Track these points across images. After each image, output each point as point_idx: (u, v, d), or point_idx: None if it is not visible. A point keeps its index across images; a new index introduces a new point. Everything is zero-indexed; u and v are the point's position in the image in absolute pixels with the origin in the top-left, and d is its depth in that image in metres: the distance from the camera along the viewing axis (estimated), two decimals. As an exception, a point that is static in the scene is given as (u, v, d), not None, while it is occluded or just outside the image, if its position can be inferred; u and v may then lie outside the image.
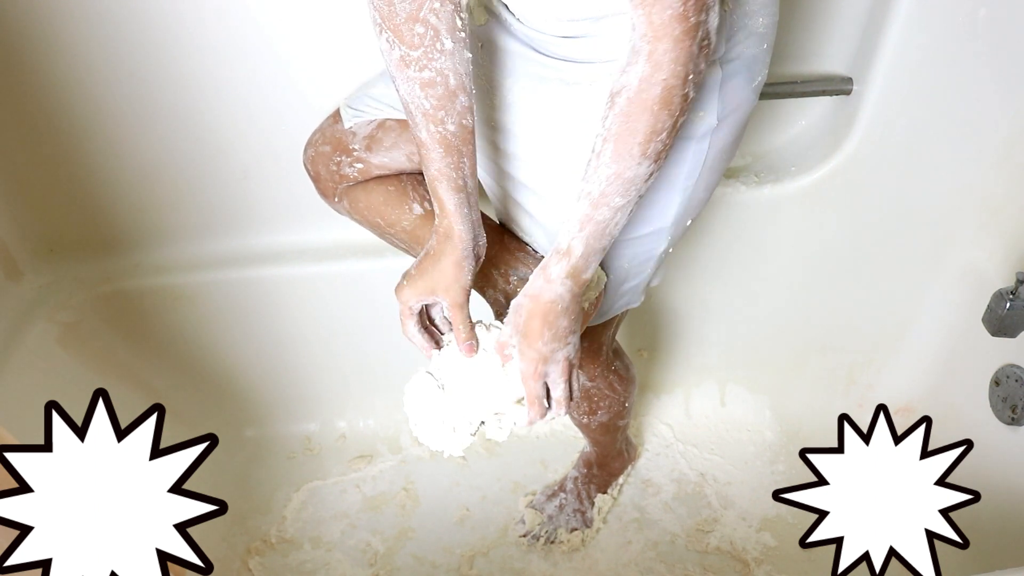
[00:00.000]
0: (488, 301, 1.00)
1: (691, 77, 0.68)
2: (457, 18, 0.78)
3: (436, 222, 0.86)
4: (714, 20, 0.67)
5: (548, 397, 0.87)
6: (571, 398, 0.87)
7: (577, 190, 0.76)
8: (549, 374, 0.84)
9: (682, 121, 0.71)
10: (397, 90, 0.81)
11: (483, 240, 0.89)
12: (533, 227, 0.95)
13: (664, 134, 0.70)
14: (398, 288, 0.89)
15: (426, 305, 0.90)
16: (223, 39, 1.15)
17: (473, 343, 0.88)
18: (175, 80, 1.17)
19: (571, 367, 0.85)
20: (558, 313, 0.81)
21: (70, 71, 1.15)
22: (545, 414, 0.87)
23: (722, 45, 0.79)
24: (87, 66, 1.15)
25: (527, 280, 0.94)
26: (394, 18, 0.76)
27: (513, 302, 0.85)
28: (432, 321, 0.93)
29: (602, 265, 0.92)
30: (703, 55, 0.67)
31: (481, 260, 0.89)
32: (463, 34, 0.79)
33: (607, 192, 0.73)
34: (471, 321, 0.88)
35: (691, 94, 0.69)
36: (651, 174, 0.73)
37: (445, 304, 0.88)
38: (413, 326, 0.90)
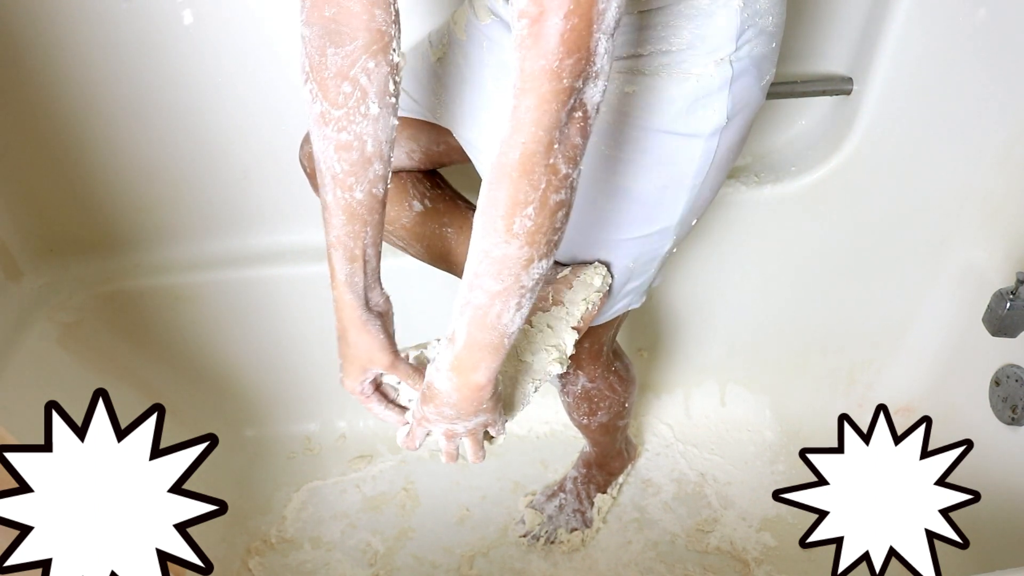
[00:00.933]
0: None
1: (557, 147, 0.61)
2: (391, 82, 0.74)
3: (332, 295, 0.82)
4: (594, 97, 0.60)
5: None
6: (454, 459, 0.85)
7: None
8: (432, 433, 0.84)
9: (556, 200, 0.63)
10: (311, 142, 0.76)
11: (380, 298, 0.85)
12: None
13: (530, 209, 0.62)
14: (341, 382, 0.87)
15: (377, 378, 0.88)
16: (223, 39, 1.15)
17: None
18: (175, 80, 1.17)
19: (454, 436, 0.83)
20: (443, 403, 0.77)
21: (70, 71, 1.15)
22: (454, 457, 0.86)
23: (732, 43, 0.78)
24: (87, 66, 1.15)
25: None
26: (323, 71, 0.72)
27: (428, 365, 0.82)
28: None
29: (607, 265, 0.92)
30: (576, 129, 0.61)
31: (389, 313, 0.86)
32: (393, 100, 0.75)
33: (479, 272, 0.67)
34: (414, 369, 0.86)
35: (562, 169, 0.62)
36: (528, 260, 0.65)
37: (381, 373, 0.86)
38: (377, 406, 0.87)
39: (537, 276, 0.67)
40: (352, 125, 0.73)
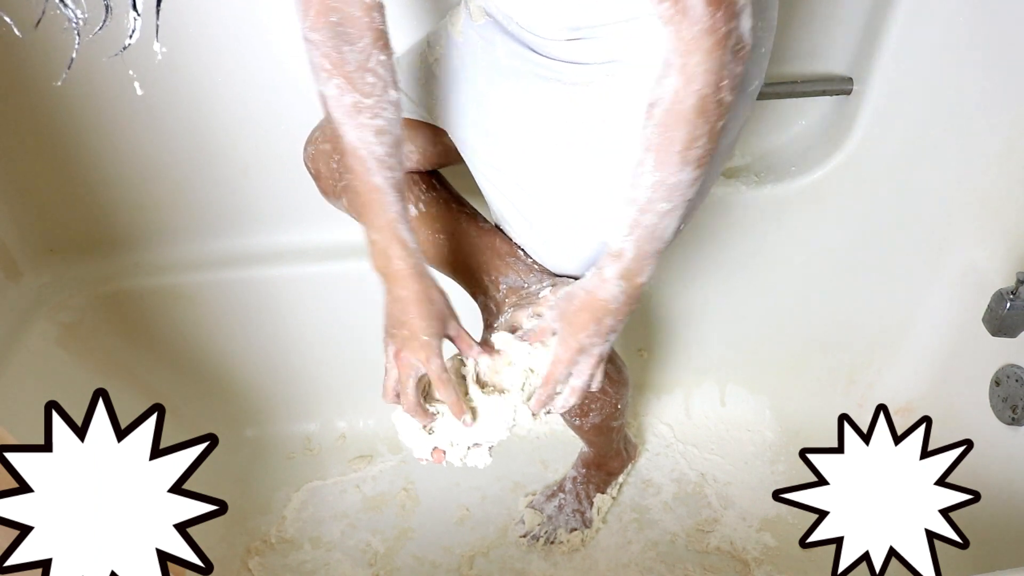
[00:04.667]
0: (480, 307, 1.00)
1: (725, 83, 0.68)
2: (394, 70, 0.81)
3: (396, 266, 0.84)
4: (746, 23, 0.67)
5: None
6: (588, 389, 0.88)
7: (626, 195, 0.77)
8: (579, 363, 0.86)
9: (721, 125, 0.71)
10: (343, 136, 0.81)
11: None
12: (525, 227, 0.95)
13: (703, 140, 0.71)
14: (397, 354, 0.86)
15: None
16: (223, 38, 1.15)
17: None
18: (175, 79, 1.17)
19: (601, 362, 0.87)
20: (608, 311, 0.83)
21: (70, 70, 1.15)
22: (550, 402, 0.88)
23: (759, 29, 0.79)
24: (87, 65, 1.15)
25: (516, 289, 0.95)
26: (345, 65, 0.78)
27: (566, 290, 0.86)
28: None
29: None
30: (738, 60, 0.68)
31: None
32: (395, 92, 0.82)
33: (652, 199, 0.75)
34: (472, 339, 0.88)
35: (727, 99, 0.70)
36: (695, 179, 0.74)
37: (450, 333, 0.87)
38: (414, 392, 0.87)
39: (697, 187, 0.76)
40: (383, 111, 0.80)
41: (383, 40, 0.79)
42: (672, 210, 0.76)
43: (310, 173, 1.06)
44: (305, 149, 1.06)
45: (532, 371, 0.89)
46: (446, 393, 0.86)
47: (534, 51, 0.83)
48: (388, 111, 0.80)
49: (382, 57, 0.79)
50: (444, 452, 0.90)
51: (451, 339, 0.88)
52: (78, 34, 0.44)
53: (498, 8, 0.83)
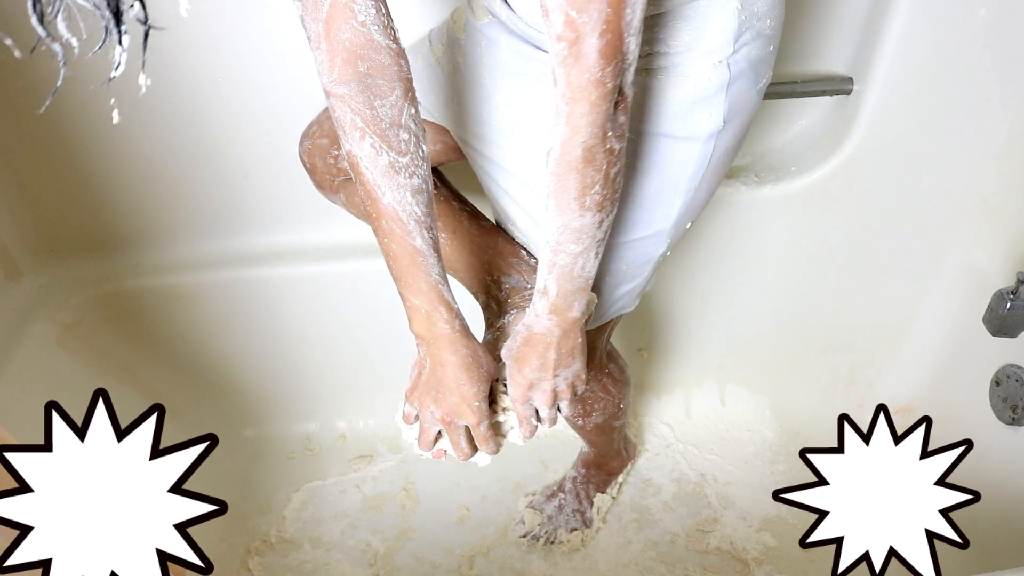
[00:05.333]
0: (481, 306, 1.00)
1: (610, 134, 0.69)
2: (420, 122, 0.78)
3: (442, 330, 0.82)
4: (628, 79, 0.67)
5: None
6: (554, 423, 0.90)
7: (541, 237, 0.78)
8: (534, 399, 0.87)
9: (615, 170, 0.72)
10: (379, 199, 0.76)
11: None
12: (528, 224, 0.95)
13: (597, 187, 0.71)
14: (444, 418, 0.85)
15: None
16: (223, 38, 1.15)
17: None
18: (175, 79, 1.17)
19: (555, 397, 0.87)
20: (547, 345, 0.83)
21: (69, 70, 1.15)
22: (534, 432, 0.90)
23: (730, 46, 0.79)
24: (87, 65, 1.14)
25: (519, 289, 0.95)
26: (379, 123, 0.74)
27: (514, 329, 0.88)
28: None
29: (601, 267, 0.91)
30: (620, 110, 0.69)
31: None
32: (425, 146, 0.79)
33: (561, 240, 0.75)
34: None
35: (615, 147, 0.70)
36: (601, 222, 0.75)
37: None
38: (488, 433, 0.87)
39: (607, 228, 0.77)
40: (418, 169, 0.77)
41: (412, 91, 0.76)
42: (583, 251, 0.76)
43: (305, 168, 1.06)
44: (301, 143, 1.06)
45: None
46: (490, 448, 0.88)
47: (537, 47, 0.83)
48: (422, 168, 0.77)
49: (412, 110, 0.76)
50: (446, 451, 0.90)
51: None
52: (63, 64, 0.44)
53: (502, 5, 0.83)
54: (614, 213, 0.78)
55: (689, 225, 0.92)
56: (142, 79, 0.52)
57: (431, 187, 0.79)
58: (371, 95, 0.73)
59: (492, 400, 0.90)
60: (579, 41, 0.62)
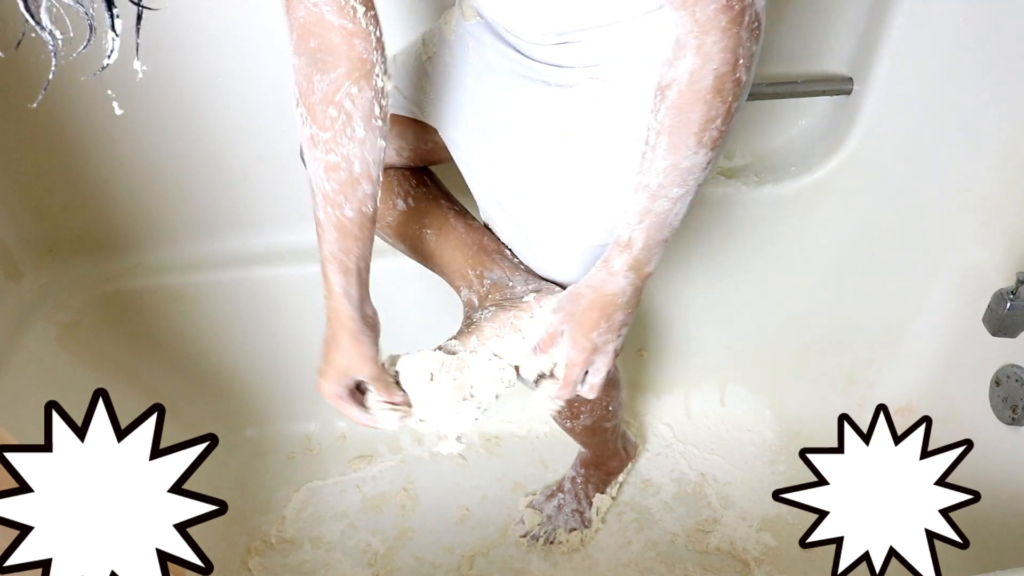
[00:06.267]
0: (462, 300, 1.00)
1: (742, 62, 0.68)
2: (376, 105, 0.77)
3: (325, 304, 0.85)
4: (761, 0, 0.66)
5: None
6: (598, 391, 0.88)
7: (634, 182, 0.76)
8: (595, 362, 0.85)
9: (736, 105, 0.71)
10: (305, 166, 0.80)
11: (371, 311, 0.88)
12: (510, 225, 0.95)
13: (719, 120, 0.70)
14: (317, 387, 0.88)
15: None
16: (223, 38, 1.15)
17: (399, 396, 0.88)
18: (175, 80, 1.17)
19: (616, 357, 0.86)
20: (617, 306, 0.82)
21: (70, 70, 1.15)
22: (573, 395, 0.88)
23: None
24: (87, 65, 1.14)
25: (500, 286, 0.94)
26: (310, 96, 0.76)
27: (570, 289, 0.85)
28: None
29: (584, 267, 0.91)
30: (753, 37, 0.67)
31: (378, 330, 0.89)
32: (380, 123, 0.78)
33: (664, 183, 0.74)
34: (395, 385, 0.88)
35: (743, 78, 0.69)
36: (708, 162, 0.73)
37: (364, 381, 0.88)
38: (355, 411, 0.89)
39: (711, 171, 0.75)
40: (339, 147, 0.76)
41: (362, 71, 0.75)
42: (684, 195, 0.75)
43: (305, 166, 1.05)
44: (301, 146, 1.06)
45: (499, 356, 0.89)
46: (382, 388, 0.87)
47: (521, 53, 0.84)
48: (345, 147, 0.76)
49: (354, 90, 0.75)
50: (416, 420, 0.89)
51: (372, 384, 0.88)
52: (55, 56, 0.44)
53: (487, 11, 0.84)
54: (720, 158, 0.76)
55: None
56: (137, 65, 0.52)
57: (358, 169, 0.78)
58: (314, 69, 0.75)
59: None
60: None
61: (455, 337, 0.92)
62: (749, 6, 0.65)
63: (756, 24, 0.67)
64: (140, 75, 0.51)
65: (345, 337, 0.84)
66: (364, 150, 0.78)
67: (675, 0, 0.65)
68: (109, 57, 0.46)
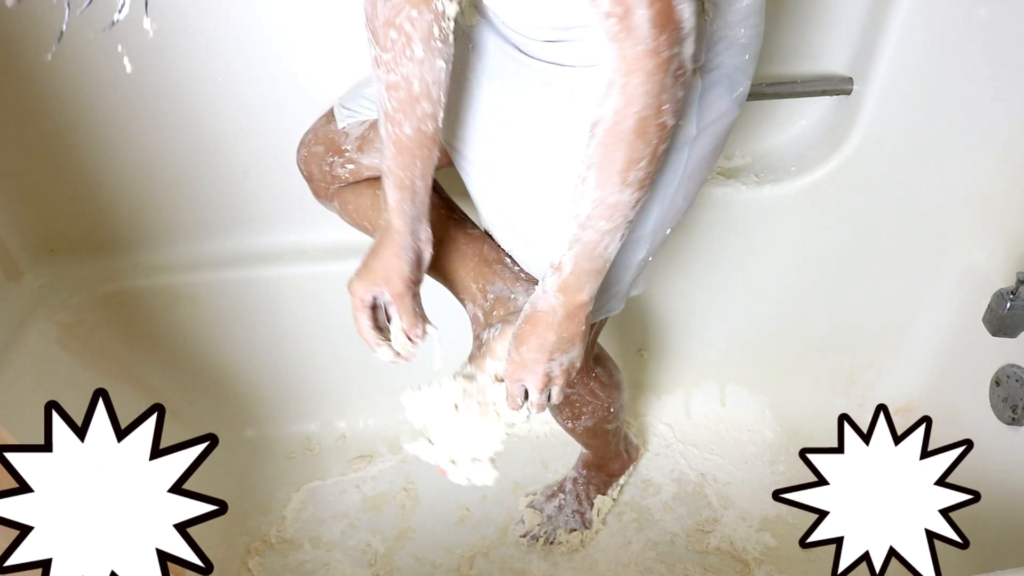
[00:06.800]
0: (468, 315, 1.00)
1: (666, 107, 0.68)
2: (436, 27, 0.79)
3: (381, 216, 0.89)
4: (689, 49, 0.67)
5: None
6: (543, 408, 0.89)
7: (568, 210, 0.77)
8: (525, 380, 0.86)
9: (663, 148, 0.72)
10: (373, 85, 0.84)
11: (425, 236, 0.91)
12: (507, 229, 0.95)
13: (644, 162, 0.71)
14: (349, 283, 0.92)
15: (384, 305, 0.93)
16: (223, 38, 1.15)
17: (419, 331, 0.92)
18: (175, 80, 1.17)
19: (548, 381, 0.86)
20: (548, 325, 0.82)
21: (70, 70, 1.15)
22: (518, 409, 0.89)
23: (702, 55, 0.79)
24: (87, 65, 1.15)
25: (503, 300, 0.95)
26: (375, 20, 0.80)
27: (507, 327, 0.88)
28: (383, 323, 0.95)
29: None
30: (679, 84, 0.68)
31: (425, 260, 0.92)
32: (440, 44, 0.81)
33: (592, 216, 0.75)
34: (416, 312, 0.92)
35: (669, 122, 0.70)
36: (637, 201, 0.74)
37: (387, 295, 0.91)
38: (365, 320, 0.93)
39: (639, 210, 0.76)
40: (399, 67, 0.81)
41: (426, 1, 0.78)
42: (612, 229, 0.76)
43: (303, 175, 1.06)
44: (298, 151, 1.06)
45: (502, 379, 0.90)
46: (401, 306, 0.91)
47: (521, 51, 0.83)
48: (404, 67, 0.80)
49: (413, 13, 0.78)
50: (446, 471, 0.91)
51: (394, 298, 0.92)
52: (68, 5, 0.45)
53: (487, 6, 0.84)
54: (647, 196, 0.77)
55: (669, 231, 0.92)
56: (147, 23, 0.52)
57: (417, 88, 0.81)
58: None
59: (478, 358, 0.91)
60: (628, 14, 0.63)
61: (469, 362, 0.93)
62: (677, 55, 0.66)
63: (681, 72, 0.67)
64: (151, 33, 0.51)
65: (388, 247, 0.89)
66: (423, 70, 0.81)
67: (609, 31, 0.65)
68: (120, 12, 0.47)
